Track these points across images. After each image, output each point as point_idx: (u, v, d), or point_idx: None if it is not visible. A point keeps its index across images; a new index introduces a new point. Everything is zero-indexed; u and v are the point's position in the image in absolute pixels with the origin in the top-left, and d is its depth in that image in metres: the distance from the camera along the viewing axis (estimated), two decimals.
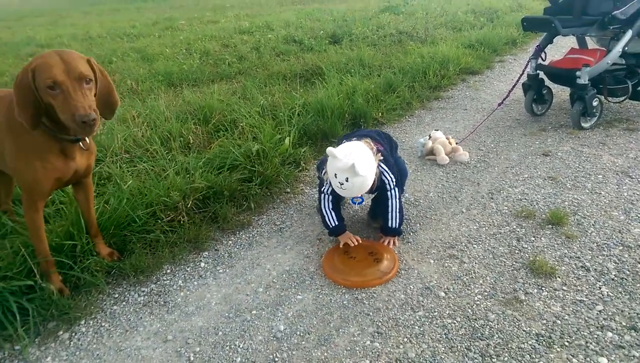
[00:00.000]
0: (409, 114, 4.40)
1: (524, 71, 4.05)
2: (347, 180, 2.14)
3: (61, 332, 1.93)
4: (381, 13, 10.60)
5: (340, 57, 6.00)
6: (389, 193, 2.38)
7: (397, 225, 2.40)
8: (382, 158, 2.34)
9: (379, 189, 2.39)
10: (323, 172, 2.37)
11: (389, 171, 2.35)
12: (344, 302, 2.06)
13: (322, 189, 2.42)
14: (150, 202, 2.53)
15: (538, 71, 4.01)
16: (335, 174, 2.17)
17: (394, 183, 2.37)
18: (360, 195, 2.36)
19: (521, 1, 11.10)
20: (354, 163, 2.09)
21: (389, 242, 2.42)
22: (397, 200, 2.39)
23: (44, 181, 1.89)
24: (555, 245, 2.36)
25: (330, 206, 2.42)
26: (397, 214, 2.39)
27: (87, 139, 1.94)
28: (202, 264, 2.35)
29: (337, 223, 2.41)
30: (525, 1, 11.26)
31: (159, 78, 5.58)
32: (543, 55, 4.03)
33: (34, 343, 1.88)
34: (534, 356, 1.72)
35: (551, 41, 4.05)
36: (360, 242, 2.41)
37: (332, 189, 2.34)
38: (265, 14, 12.42)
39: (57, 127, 1.81)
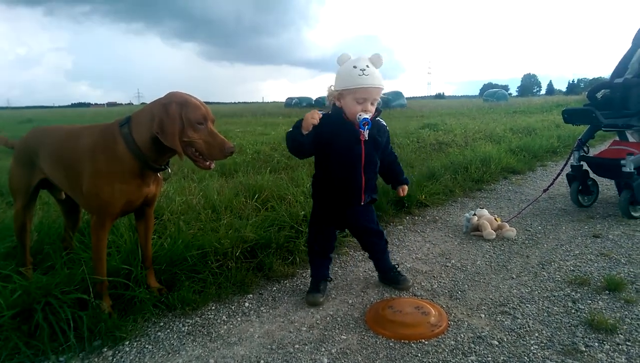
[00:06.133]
0: (452, 200, 4.46)
1: (567, 162, 4.12)
2: (367, 67, 2.16)
3: (105, 349, 1.94)
4: (421, 129, 11.19)
5: None
6: (391, 148, 2.53)
7: (404, 174, 2.60)
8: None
9: (382, 134, 2.38)
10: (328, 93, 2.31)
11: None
12: (390, 344, 1.98)
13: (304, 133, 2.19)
14: (202, 245, 2.62)
15: (582, 162, 4.07)
16: (355, 66, 2.16)
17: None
18: (369, 117, 2.16)
19: (558, 121, 11.48)
20: (378, 53, 2.19)
21: (404, 191, 2.58)
22: (395, 155, 2.59)
23: (118, 202, 2.04)
24: (615, 308, 2.23)
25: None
26: (400, 165, 2.59)
27: (168, 168, 2.14)
28: (247, 304, 2.35)
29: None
30: (561, 121, 11.60)
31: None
32: (585, 148, 4.12)
33: (77, 357, 1.88)
34: None
35: (592, 136, 4.16)
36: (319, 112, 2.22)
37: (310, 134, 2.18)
38: None
39: (151, 155, 2.02)
